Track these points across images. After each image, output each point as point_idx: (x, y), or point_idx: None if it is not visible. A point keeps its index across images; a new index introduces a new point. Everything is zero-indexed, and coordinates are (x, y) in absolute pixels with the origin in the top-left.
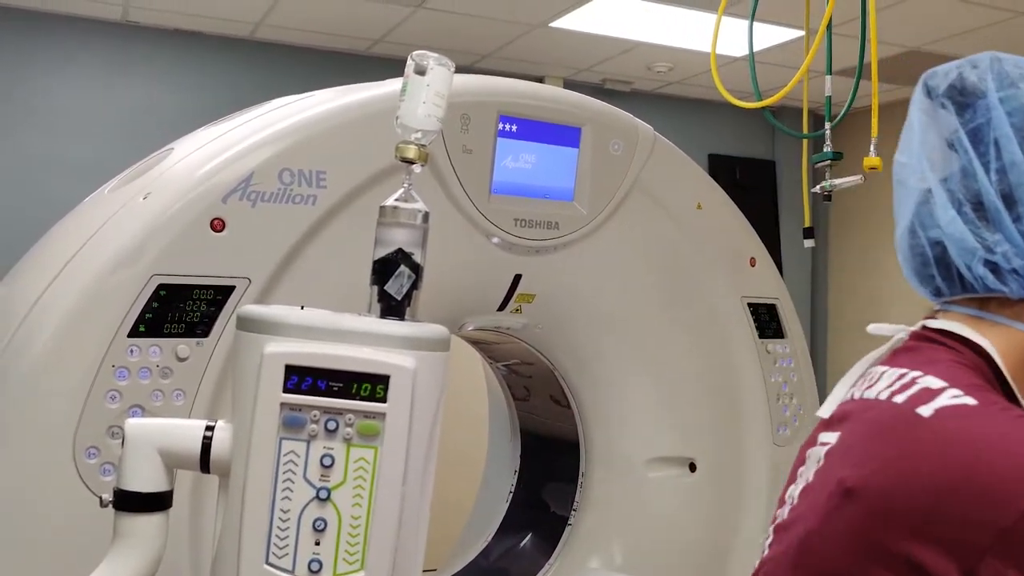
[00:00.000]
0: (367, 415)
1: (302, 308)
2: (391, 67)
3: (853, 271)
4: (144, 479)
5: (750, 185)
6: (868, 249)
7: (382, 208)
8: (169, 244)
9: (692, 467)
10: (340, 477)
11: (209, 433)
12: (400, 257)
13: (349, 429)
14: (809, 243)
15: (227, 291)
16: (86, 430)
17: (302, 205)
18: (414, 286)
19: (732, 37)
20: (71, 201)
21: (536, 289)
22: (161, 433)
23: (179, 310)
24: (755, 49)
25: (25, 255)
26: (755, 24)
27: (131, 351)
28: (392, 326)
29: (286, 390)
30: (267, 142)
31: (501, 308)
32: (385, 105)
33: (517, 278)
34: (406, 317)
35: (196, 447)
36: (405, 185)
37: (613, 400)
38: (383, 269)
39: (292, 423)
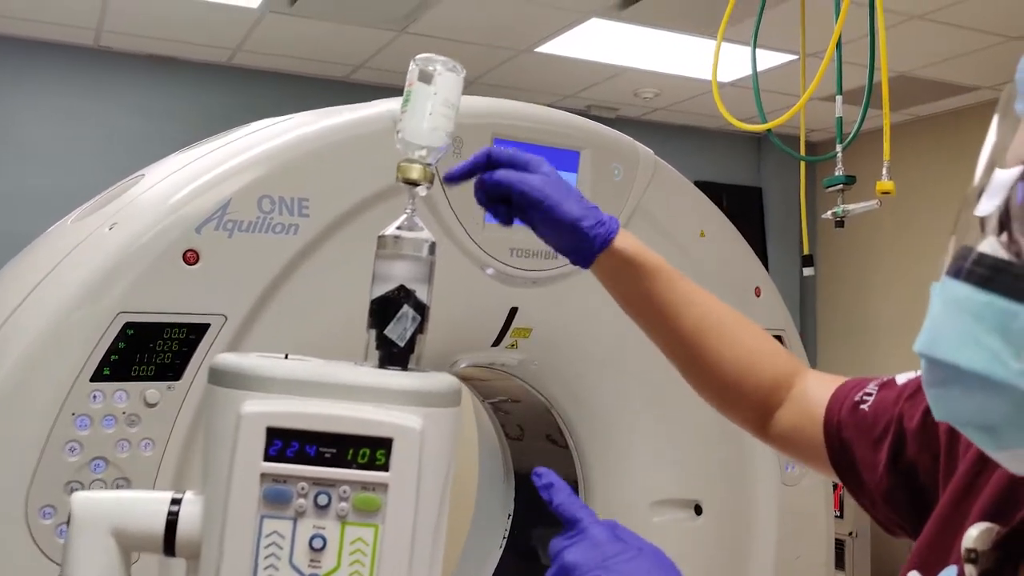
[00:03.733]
0: (365, 486)
1: (286, 357)
2: (373, 94)
3: (842, 301)
4: (94, 567)
5: (737, 212)
6: (858, 278)
7: (381, 238)
8: (137, 278)
9: (698, 510)
10: (333, 562)
11: (175, 507)
12: (402, 295)
13: (344, 504)
14: (809, 271)
15: (201, 329)
16: (41, 486)
17: (283, 235)
18: (419, 329)
19: (722, 62)
20: (37, 235)
21: (533, 323)
22: (115, 509)
23: (148, 351)
24: (744, 74)
25: None
26: (740, 47)
27: (94, 397)
28: (394, 378)
29: (268, 458)
30: (245, 167)
31: (496, 343)
32: (373, 127)
33: (513, 311)
34: (410, 366)
35: (159, 525)
36: (408, 211)
37: (613, 439)
38: (383, 309)
39: (275, 497)
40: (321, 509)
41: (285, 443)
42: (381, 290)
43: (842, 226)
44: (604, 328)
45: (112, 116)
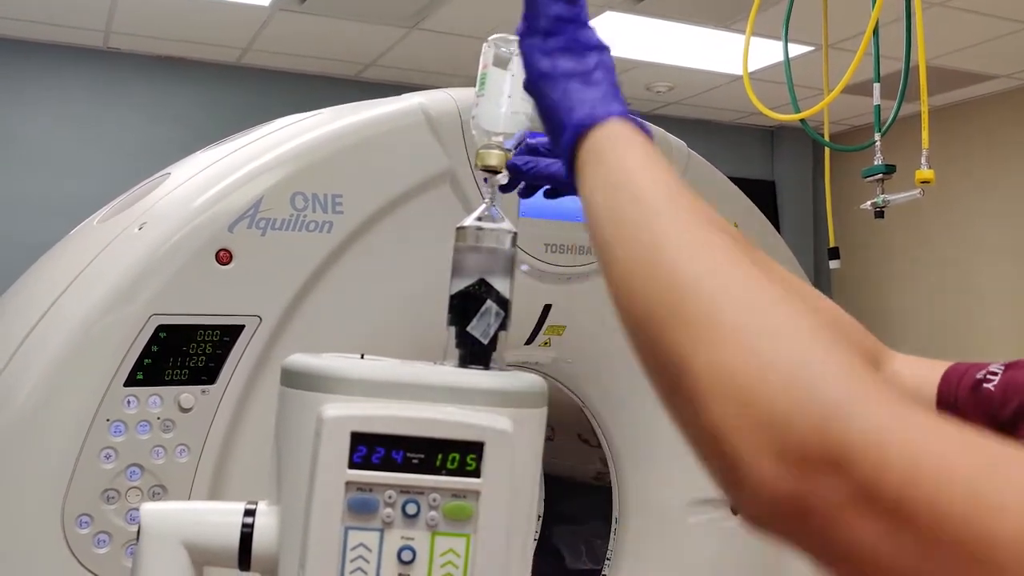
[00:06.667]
0: (456, 494)
1: (362, 356)
2: (383, 91)
3: (857, 293)
4: None
5: None
6: (873, 270)
7: (460, 229)
8: (169, 280)
9: (734, 509)
10: (424, 575)
11: (249, 519)
12: (484, 290)
13: (434, 513)
14: (835, 264)
15: (235, 331)
16: (77, 495)
17: (317, 233)
18: (501, 326)
19: (739, 54)
20: (50, 239)
21: (567, 320)
22: (187, 521)
23: (182, 354)
24: (757, 67)
25: (3, 296)
26: (756, 39)
27: (128, 402)
28: (481, 378)
29: (352, 465)
30: (277, 164)
31: (529, 341)
32: (405, 121)
33: (547, 308)
34: (492, 365)
35: (233, 538)
36: (486, 200)
37: (648, 437)
38: (464, 305)
39: (361, 507)
40: (410, 519)
41: (370, 449)
42: (461, 284)
43: (882, 216)
44: None
45: (121, 118)
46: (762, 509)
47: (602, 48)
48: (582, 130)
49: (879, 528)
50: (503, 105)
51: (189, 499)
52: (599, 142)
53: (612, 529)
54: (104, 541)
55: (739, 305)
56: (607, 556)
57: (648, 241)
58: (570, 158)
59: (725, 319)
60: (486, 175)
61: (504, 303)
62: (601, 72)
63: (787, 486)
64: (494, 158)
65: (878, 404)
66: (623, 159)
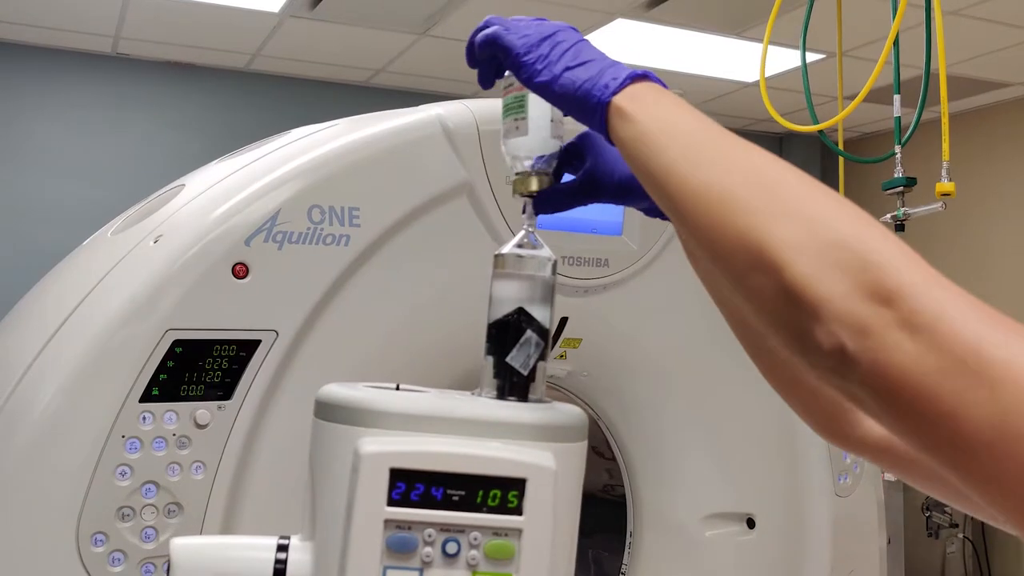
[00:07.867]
0: (497, 532)
1: (397, 387)
2: (393, 98)
3: None
4: None
5: None
6: None
7: (499, 257)
8: (185, 294)
9: (750, 523)
10: None
11: (282, 555)
12: (523, 319)
13: (475, 552)
14: None
15: (252, 346)
16: (92, 513)
17: (334, 246)
18: (541, 356)
19: (749, 62)
20: (59, 247)
21: (583, 333)
22: (218, 557)
23: (198, 369)
24: (767, 74)
25: (14, 308)
26: (768, 47)
27: (143, 418)
28: (523, 412)
29: (391, 502)
30: (294, 176)
31: None
32: (422, 132)
33: (563, 321)
34: (530, 397)
35: (265, 575)
36: (525, 226)
37: (664, 452)
38: (502, 335)
39: (400, 546)
40: (450, 558)
41: (409, 485)
42: (499, 313)
43: (903, 229)
44: (655, 338)
45: (130, 123)
46: (836, 337)
47: (566, 28)
48: (604, 107)
49: (914, 348)
50: (543, 129)
51: (204, 516)
52: (627, 105)
53: (627, 543)
54: (119, 559)
55: (801, 191)
56: (621, 571)
57: (713, 157)
58: (607, 131)
59: (796, 203)
60: (525, 200)
61: (544, 333)
62: (586, 51)
63: (855, 313)
64: (535, 183)
65: (919, 266)
66: (655, 110)
